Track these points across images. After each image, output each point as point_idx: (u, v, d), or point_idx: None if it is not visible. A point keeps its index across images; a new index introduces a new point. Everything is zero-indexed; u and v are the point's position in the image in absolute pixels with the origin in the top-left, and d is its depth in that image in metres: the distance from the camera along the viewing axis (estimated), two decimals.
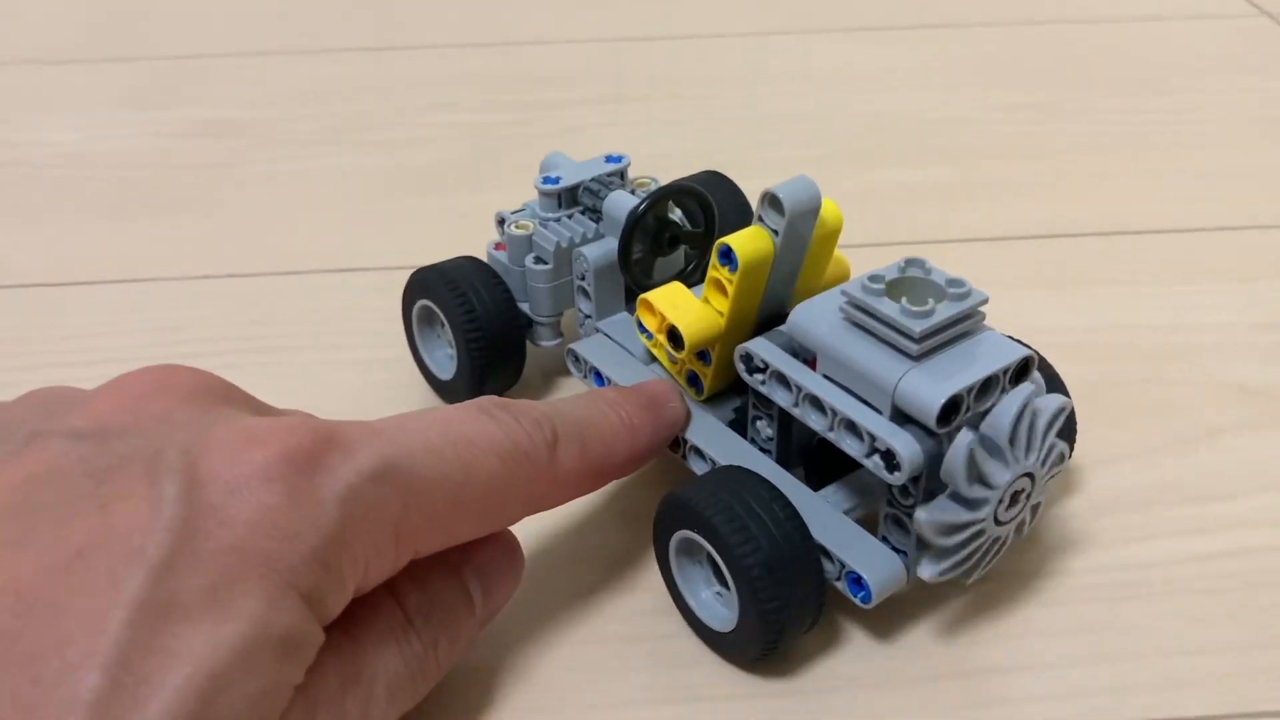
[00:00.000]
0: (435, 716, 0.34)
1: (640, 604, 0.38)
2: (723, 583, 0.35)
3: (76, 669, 0.24)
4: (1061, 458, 0.34)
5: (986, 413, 0.32)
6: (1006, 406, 0.32)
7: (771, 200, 0.35)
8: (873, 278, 0.34)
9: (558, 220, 0.44)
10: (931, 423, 0.32)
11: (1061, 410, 0.33)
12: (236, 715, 0.25)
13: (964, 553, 0.34)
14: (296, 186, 0.65)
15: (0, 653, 0.24)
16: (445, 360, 0.46)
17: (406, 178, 0.65)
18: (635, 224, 0.41)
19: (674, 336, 0.37)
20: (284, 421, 0.29)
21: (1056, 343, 0.47)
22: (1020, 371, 0.34)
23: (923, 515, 0.33)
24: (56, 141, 0.71)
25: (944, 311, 0.33)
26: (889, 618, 0.37)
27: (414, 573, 0.32)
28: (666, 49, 0.82)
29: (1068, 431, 0.39)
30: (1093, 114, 0.73)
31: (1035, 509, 0.35)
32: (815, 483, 0.38)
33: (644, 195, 0.41)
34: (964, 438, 0.32)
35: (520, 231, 0.44)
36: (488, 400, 0.34)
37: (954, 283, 0.33)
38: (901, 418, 0.33)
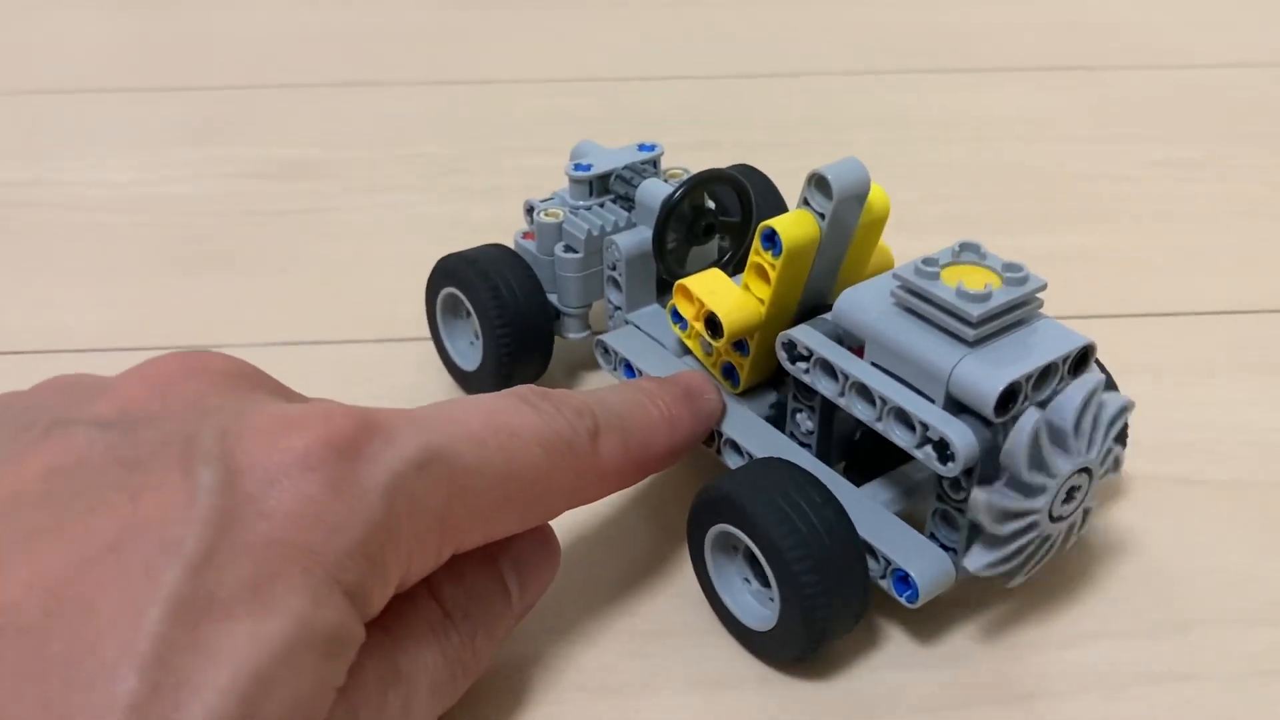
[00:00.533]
0: (467, 714, 0.33)
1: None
2: (761, 580, 0.34)
3: (112, 670, 0.22)
4: (1117, 462, 0.33)
5: (1048, 400, 0.31)
6: (1074, 392, 0.31)
7: (819, 182, 0.34)
8: (927, 261, 0.32)
9: (588, 208, 0.43)
10: (989, 411, 0.30)
11: (1124, 409, 0.32)
12: (280, 718, 0.24)
13: (1015, 545, 0.32)
14: (384, 237, 0.57)
15: (30, 653, 0.22)
16: (469, 350, 0.45)
17: (504, 225, 0.48)
18: (671, 211, 0.39)
19: (712, 324, 0.36)
20: (323, 407, 0.27)
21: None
22: (1080, 361, 0.32)
23: (981, 495, 0.31)
24: (110, 182, 0.62)
25: (1001, 296, 0.31)
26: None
27: (451, 566, 0.30)
28: (765, 88, 0.73)
29: (1122, 436, 0.37)
30: (1264, 171, 0.63)
31: (1086, 513, 0.33)
32: (857, 479, 0.36)
33: (678, 183, 0.40)
34: (1030, 417, 0.30)
35: (550, 219, 0.43)
36: (527, 389, 0.32)
37: (1011, 267, 0.32)
38: (955, 407, 0.31)
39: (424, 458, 0.28)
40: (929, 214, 0.58)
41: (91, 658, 0.22)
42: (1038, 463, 0.31)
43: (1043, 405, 0.31)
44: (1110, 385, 0.38)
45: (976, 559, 0.32)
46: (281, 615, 0.24)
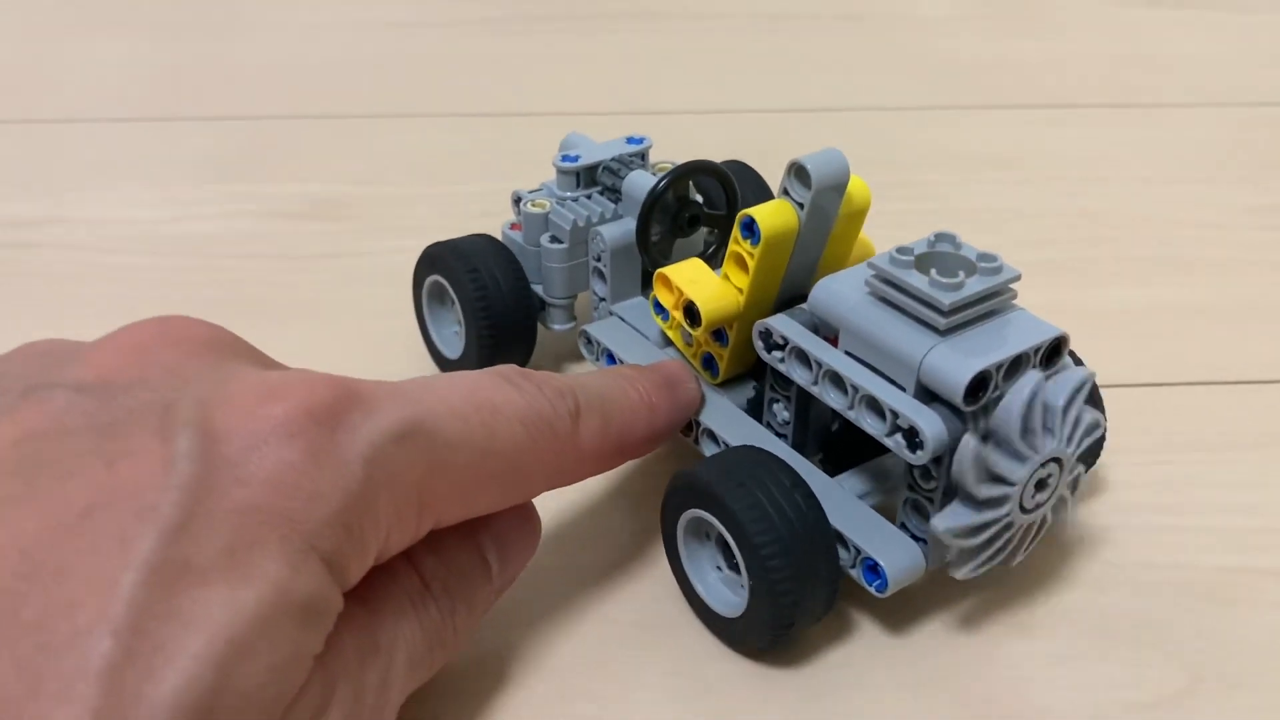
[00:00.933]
0: (448, 702, 0.33)
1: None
2: (732, 566, 0.34)
3: (86, 634, 0.22)
4: (1095, 426, 0.32)
5: (994, 404, 0.31)
6: (1014, 397, 0.30)
7: (798, 172, 0.34)
8: (901, 250, 0.32)
9: (575, 199, 0.43)
10: (958, 400, 0.30)
11: (1082, 384, 0.32)
12: (256, 686, 0.24)
13: (993, 548, 0.32)
14: None
15: (3, 616, 0.22)
16: (453, 338, 0.45)
17: None
18: (655, 202, 0.40)
19: (691, 313, 0.36)
20: (303, 376, 0.27)
21: None
22: (1052, 352, 0.32)
23: (938, 524, 0.31)
24: (133, 220, 0.58)
25: (974, 285, 0.31)
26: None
27: (431, 540, 0.30)
28: (824, 124, 0.68)
29: (1092, 454, 0.37)
30: None
31: (1074, 483, 0.33)
32: (832, 470, 0.36)
33: (663, 175, 0.40)
34: (967, 442, 0.30)
35: (537, 210, 0.43)
36: (509, 368, 0.33)
37: (985, 257, 0.32)
38: (926, 395, 0.31)
39: (404, 430, 0.28)
40: (1014, 263, 0.54)
41: (65, 623, 0.22)
42: (989, 476, 0.31)
43: (987, 415, 0.31)
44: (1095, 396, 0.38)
45: (948, 519, 0.32)
46: (259, 582, 0.24)
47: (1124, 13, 0.83)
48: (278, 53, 0.76)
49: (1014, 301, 0.33)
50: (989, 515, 0.31)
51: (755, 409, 0.38)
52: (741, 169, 0.47)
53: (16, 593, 0.23)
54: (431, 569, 0.30)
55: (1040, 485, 0.32)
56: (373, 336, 0.48)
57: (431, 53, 0.76)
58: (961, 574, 0.33)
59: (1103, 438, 0.37)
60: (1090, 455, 0.38)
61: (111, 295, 0.52)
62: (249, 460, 0.25)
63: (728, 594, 0.34)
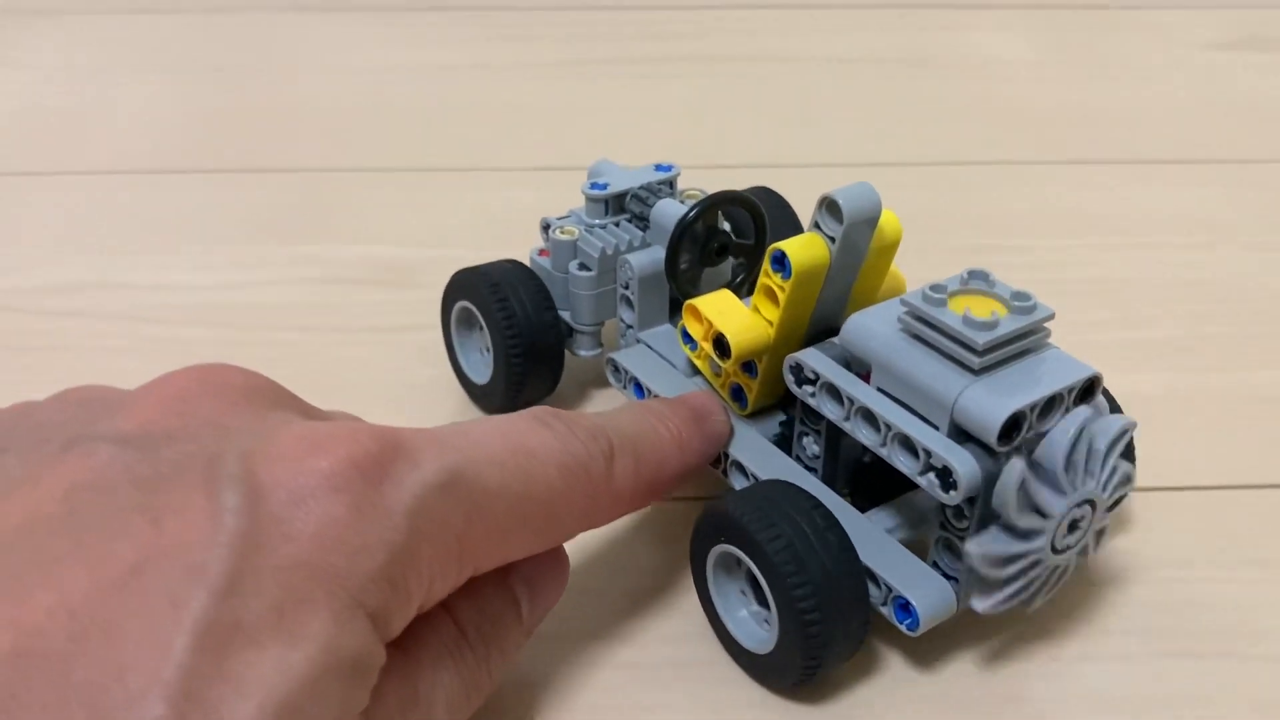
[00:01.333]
0: None
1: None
2: (762, 602, 0.34)
3: (139, 699, 0.22)
4: (1126, 479, 0.32)
5: (1042, 436, 0.31)
6: (1062, 430, 0.30)
7: (829, 206, 0.34)
8: (934, 288, 0.32)
9: (603, 227, 0.43)
10: (992, 440, 0.30)
11: (1124, 431, 0.32)
12: None
13: (1019, 584, 0.32)
14: None
15: (54, 679, 0.22)
16: (481, 365, 0.45)
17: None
18: (684, 231, 0.40)
19: (720, 345, 0.36)
20: (346, 427, 0.27)
21: None
22: (1085, 392, 0.32)
23: (973, 547, 0.31)
24: (186, 286, 0.53)
25: (1008, 325, 0.31)
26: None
27: (466, 584, 0.30)
28: (908, 179, 0.64)
29: (1129, 454, 0.37)
30: None
31: (1100, 534, 0.33)
32: (862, 505, 0.36)
33: (693, 203, 0.40)
34: (1014, 466, 0.30)
35: (565, 237, 0.43)
36: (542, 410, 0.32)
37: (1019, 296, 0.32)
38: (959, 435, 0.31)
39: (446, 479, 0.27)
40: (1130, 342, 0.50)
41: (118, 687, 0.22)
42: (1029, 506, 0.31)
43: (1030, 448, 0.31)
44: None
45: (981, 602, 0.32)
46: (308, 642, 0.24)
47: (1210, 57, 0.78)
48: (333, 99, 0.72)
49: (1048, 340, 0.33)
50: (1023, 547, 0.31)
51: (784, 441, 0.38)
52: (770, 196, 0.47)
53: (67, 655, 0.22)
54: (467, 615, 0.30)
55: (1073, 526, 0.32)
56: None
57: (491, 99, 0.71)
58: (983, 607, 0.32)
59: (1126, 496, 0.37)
60: (1114, 506, 0.37)
61: (157, 373, 0.46)
62: (295, 515, 0.25)
63: (757, 630, 0.34)
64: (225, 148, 0.66)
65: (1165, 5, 0.85)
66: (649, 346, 0.42)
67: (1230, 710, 0.34)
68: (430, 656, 0.29)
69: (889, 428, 0.32)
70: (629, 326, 0.42)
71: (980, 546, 0.31)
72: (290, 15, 0.83)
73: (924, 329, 0.32)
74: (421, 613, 0.28)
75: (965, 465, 0.30)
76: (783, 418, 0.38)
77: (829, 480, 0.36)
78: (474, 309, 0.43)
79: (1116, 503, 0.33)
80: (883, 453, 0.33)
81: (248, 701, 0.23)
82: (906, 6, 0.85)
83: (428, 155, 0.65)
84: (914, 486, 0.36)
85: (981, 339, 0.31)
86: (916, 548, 0.35)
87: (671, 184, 0.44)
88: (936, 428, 0.32)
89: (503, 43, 0.80)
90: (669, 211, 0.41)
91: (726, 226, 0.42)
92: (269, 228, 0.58)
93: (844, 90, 0.74)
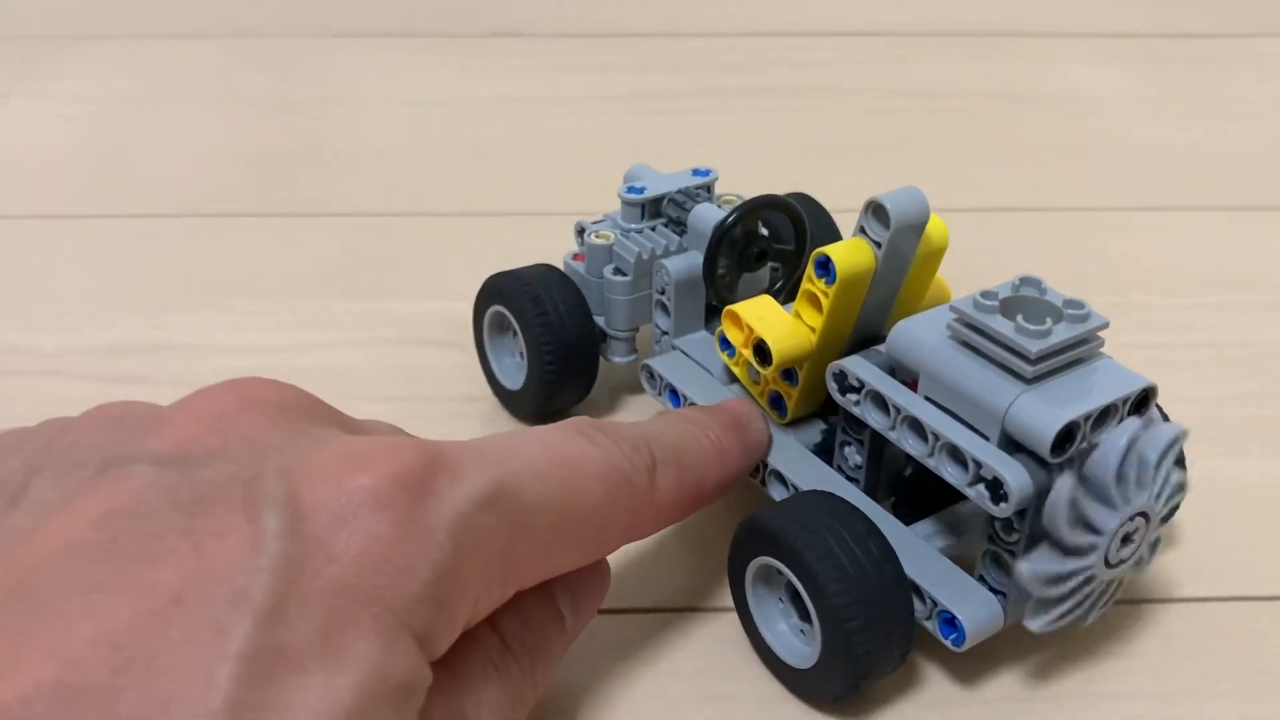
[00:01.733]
0: None
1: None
2: (803, 616, 0.33)
3: None
4: (1180, 487, 0.31)
5: (1093, 449, 0.30)
6: (1112, 443, 0.29)
7: (876, 210, 0.33)
8: (985, 294, 0.31)
9: (640, 231, 0.42)
10: (1045, 451, 0.29)
11: (1175, 440, 0.31)
12: None
13: (1072, 601, 0.31)
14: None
15: (99, 712, 0.21)
16: (514, 369, 0.44)
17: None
18: (723, 236, 0.39)
19: (761, 351, 0.35)
20: (387, 442, 0.26)
21: None
22: (1140, 403, 0.31)
23: (1024, 567, 0.30)
24: (246, 347, 0.49)
25: (1062, 333, 0.30)
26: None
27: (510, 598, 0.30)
28: (1023, 226, 0.59)
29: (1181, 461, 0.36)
30: None
31: (1155, 545, 0.32)
32: (906, 517, 0.35)
33: (732, 208, 0.39)
34: (1064, 482, 0.29)
35: (601, 241, 0.42)
36: (583, 421, 0.32)
37: (1072, 304, 0.31)
38: (1010, 445, 0.30)
39: (490, 494, 0.27)
40: (1273, 420, 0.46)
41: (164, 718, 0.21)
42: (1080, 522, 0.30)
43: (1081, 461, 0.30)
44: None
45: (1036, 621, 0.31)
46: (354, 666, 0.23)
47: None
48: (394, 134, 0.68)
49: (1101, 350, 0.32)
50: (1075, 564, 0.30)
51: (824, 450, 0.37)
52: (808, 203, 0.47)
53: (113, 688, 0.22)
54: (511, 628, 0.30)
55: (1126, 540, 0.31)
56: None
57: (563, 136, 0.64)
58: (1037, 626, 0.32)
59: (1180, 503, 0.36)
60: (1169, 516, 0.36)
61: None
62: (338, 536, 0.24)
63: (798, 644, 0.33)
64: (281, 188, 0.62)
65: (1265, 34, 0.80)
66: (684, 353, 0.41)
67: None
68: (475, 672, 0.28)
69: (937, 438, 0.31)
70: (664, 333, 0.42)
71: (1031, 565, 0.30)
72: (341, 41, 0.79)
73: (974, 336, 0.31)
74: (466, 629, 0.27)
75: (1017, 477, 0.30)
76: (824, 426, 0.38)
77: (871, 491, 0.35)
78: (508, 313, 0.43)
79: (1171, 512, 0.32)
80: (930, 463, 0.32)
81: None
82: (989, 35, 0.81)
83: (502, 198, 0.60)
84: (959, 498, 0.35)
85: (1035, 347, 0.30)
86: (962, 562, 0.34)
87: (709, 188, 0.43)
88: (986, 438, 0.31)
89: (570, 73, 0.75)
90: (707, 216, 0.40)
91: (765, 232, 0.41)
92: (335, 280, 0.54)
93: (928, 127, 0.70)
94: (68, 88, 0.73)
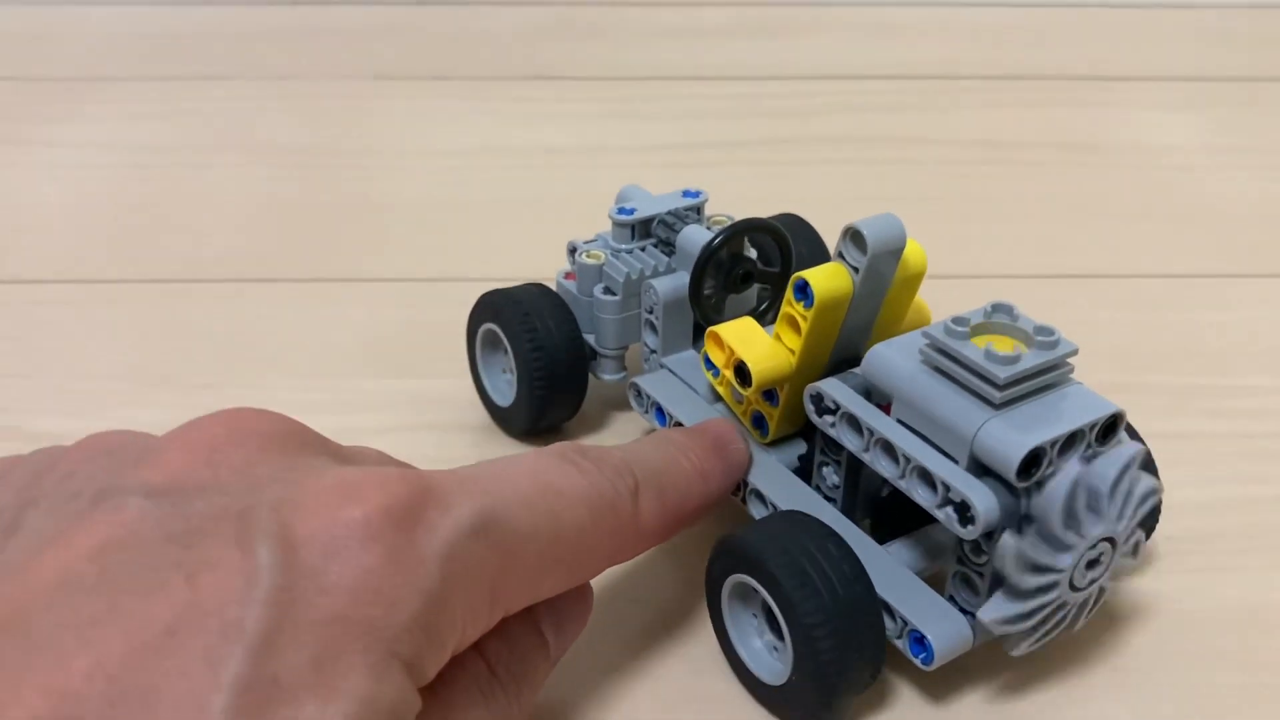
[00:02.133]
0: None
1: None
2: (776, 633, 0.34)
3: None
4: (1150, 493, 0.32)
5: (1092, 459, 0.31)
6: (1115, 457, 0.30)
7: (854, 236, 0.34)
8: (957, 320, 0.32)
9: (630, 252, 0.43)
10: (1011, 475, 0.30)
11: (1130, 463, 0.31)
12: None
13: (1034, 603, 0.31)
14: None
15: None
16: (505, 387, 0.45)
17: None
18: (710, 257, 0.40)
19: (741, 372, 0.36)
20: (377, 473, 0.27)
21: None
22: (1108, 429, 0.32)
23: (1010, 541, 0.31)
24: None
25: (1030, 359, 0.31)
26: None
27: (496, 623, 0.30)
28: (1089, 293, 0.55)
29: (1149, 521, 0.37)
30: None
31: (1136, 547, 0.33)
32: (881, 537, 0.36)
33: (719, 230, 0.40)
34: (1071, 471, 0.30)
35: (591, 261, 0.43)
36: (567, 447, 0.32)
37: (1042, 330, 0.32)
38: (979, 469, 0.31)
39: (478, 524, 0.27)
40: None
41: None
42: (1071, 520, 0.30)
43: (1089, 462, 0.31)
44: (1148, 463, 0.38)
45: (993, 610, 0.32)
46: (345, 696, 0.24)
47: None
48: (432, 187, 0.64)
49: (1071, 376, 0.32)
50: (1035, 603, 0.31)
51: (804, 470, 0.37)
52: (797, 223, 0.47)
53: (109, 719, 0.22)
54: (496, 654, 0.30)
55: (1092, 564, 0.31)
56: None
57: (612, 189, 0.46)
58: (1019, 652, 0.32)
59: (1159, 503, 0.37)
60: (1150, 520, 0.37)
61: None
62: (330, 568, 0.25)
63: (772, 661, 0.34)
64: (314, 250, 0.58)
65: None
66: (672, 372, 0.42)
67: None
68: (462, 698, 0.29)
69: (908, 460, 0.32)
70: (652, 351, 0.42)
71: (991, 612, 0.31)
72: (375, 85, 0.76)
73: (945, 362, 0.32)
74: (454, 655, 0.28)
75: (984, 500, 0.30)
76: (804, 447, 0.38)
77: (848, 511, 0.36)
78: (499, 331, 0.44)
79: (1152, 514, 0.33)
80: (901, 485, 0.32)
81: None
82: (1054, 79, 0.76)
83: (547, 259, 0.49)
84: (934, 519, 0.36)
85: (1003, 373, 0.30)
86: (934, 581, 0.34)
87: (699, 210, 0.44)
88: (956, 461, 0.31)
89: (616, 121, 0.71)
90: (695, 238, 0.41)
91: (753, 254, 0.42)
92: (377, 355, 0.50)
93: (1004, 181, 0.65)
94: (92, 135, 0.69)
